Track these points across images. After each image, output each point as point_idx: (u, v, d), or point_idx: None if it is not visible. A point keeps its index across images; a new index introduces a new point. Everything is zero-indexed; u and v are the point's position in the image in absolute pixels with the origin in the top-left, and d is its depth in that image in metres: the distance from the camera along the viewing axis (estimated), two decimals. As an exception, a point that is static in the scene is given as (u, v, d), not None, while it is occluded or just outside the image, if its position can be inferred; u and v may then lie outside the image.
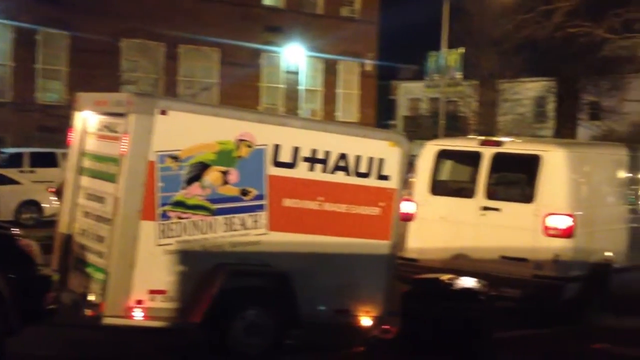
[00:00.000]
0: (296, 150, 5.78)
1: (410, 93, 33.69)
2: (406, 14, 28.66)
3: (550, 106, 22.34)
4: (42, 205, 13.35)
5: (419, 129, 25.86)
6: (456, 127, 22.59)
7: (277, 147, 5.71)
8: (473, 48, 20.55)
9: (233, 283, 5.54)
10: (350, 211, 5.98)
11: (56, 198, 12.95)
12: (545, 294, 7.21)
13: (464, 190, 7.79)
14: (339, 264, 5.95)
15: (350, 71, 25.77)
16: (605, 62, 18.82)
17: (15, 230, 5.47)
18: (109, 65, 20.45)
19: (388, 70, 29.51)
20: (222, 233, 5.56)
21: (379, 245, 6.08)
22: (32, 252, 5.34)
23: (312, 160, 5.84)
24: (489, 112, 20.66)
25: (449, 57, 21.25)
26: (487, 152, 7.64)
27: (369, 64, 25.80)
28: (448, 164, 8.29)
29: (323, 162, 5.88)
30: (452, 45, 21.33)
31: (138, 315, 5.31)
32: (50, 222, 11.14)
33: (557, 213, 7.15)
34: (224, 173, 5.56)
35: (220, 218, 5.54)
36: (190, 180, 5.46)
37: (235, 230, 5.59)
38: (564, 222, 7.14)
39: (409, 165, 6.52)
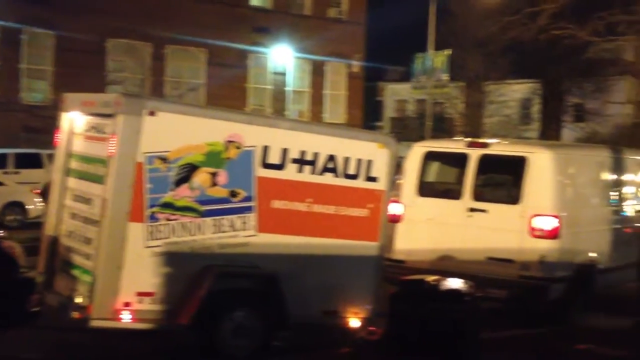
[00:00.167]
0: (285, 151, 5.79)
1: (397, 94, 33.81)
2: (393, 15, 28.81)
3: (536, 108, 22.55)
4: (27, 206, 13.22)
5: (405, 131, 25.96)
6: (443, 128, 22.73)
7: (266, 149, 5.71)
8: (459, 50, 20.70)
9: (221, 285, 5.53)
10: (339, 213, 6.00)
11: (41, 199, 12.85)
12: (531, 294, 7.27)
13: (451, 192, 7.84)
14: (327, 265, 5.97)
15: (337, 72, 25.82)
16: (589, 64, 19.05)
17: (-2, 232, 5.42)
18: (95, 65, 20.30)
19: (375, 71, 29.60)
20: (210, 235, 5.55)
21: (368, 246, 6.11)
22: (15, 254, 5.29)
23: (300, 161, 5.85)
24: (475, 114, 20.82)
25: (435, 58, 21.39)
26: (474, 154, 7.70)
27: (356, 65, 25.87)
28: (435, 166, 8.35)
29: (312, 163, 5.89)
30: (438, 47, 21.47)
31: (126, 317, 5.29)
32: (35, 224, 11.05)
33: (543, 214, 7.23)
34: (213, 174, 5.55)
35: (208, 220, 5.53)
36: (179, 182, 5.45)
37: (223, 231, 5.59)
38: (550, 223, 7.22)
39: (397, 167, 6.56)
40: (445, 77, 21.43)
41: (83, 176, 5.83)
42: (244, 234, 5.66)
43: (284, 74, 23.84)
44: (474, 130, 19.46)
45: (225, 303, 5.56)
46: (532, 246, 7.22)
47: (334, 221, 5.98)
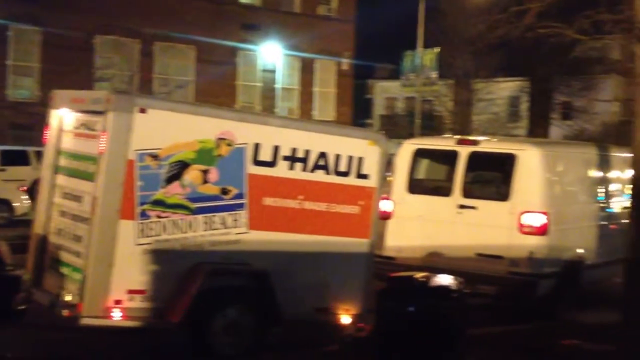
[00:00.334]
0: (276, 149, 5.79)
1: (386, 92, 33.90)
2: (383, 13, 28.87)
3: (524, 106, 22.69)
4: (13, 204, 13.09)
5: (395, 128, 26.03)
6: (432, 126, 22.81)
7: (257, 146, 5.71)
8: (448, 48, 20.76)
9: (213, 282, 5.53)
10: (330, 210, 6.02)
11: (27, 197, 12.73)
12: (520, 290, 7.34)
13: (441, 189, 7.89)
14: (318, 262, 5.99)
15: (327, 70, 25.80)
16: (577, 63, 19.20)
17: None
18: (83, 62, 20.12)
19: (364, 69, 29.65)
20: (202, 232, 5.54)
21: (359, 243, 6.14)
22: (1, 252, 5.25)
23: (292, 159, 5.85)
24: (464, 112, 20.89)
25: (424, 56, 21.45)
26: (464, 151, 7.75)
27: (346, 62, 25.87)
28: (425, 163, 8.39)
29: (303, 160, 5.90)
30: (427, 45, 21.53)
31: (117, 315, 5.27)
32: (21, 222, 10.95)
33: (531, 211, 7.29)
34: (204, 172, 5.54)
35: (200, 217, 5.53)
36: (170, 179, 5.44)
37: (215, 229, 5.58)
38: (539, 220, 7.29)
39: (387, 164, 6.59)
40: (434, 74, 21.50)
41: (73, 173, 5.79)
42: (236, 232, 5.66)
43: (273, 72, 23.78)
44: (462, 127, 19.54)
45: (217, 300, 5.56)
46: (521, 242, 7.28)
47: (325, 218, 6.00)
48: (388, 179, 7.87)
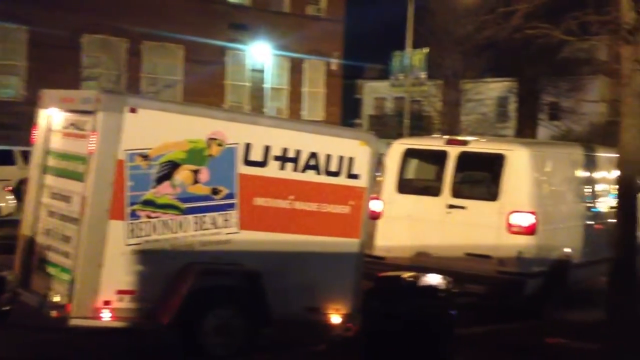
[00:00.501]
0: (267, 149, 5.79)
1: (375, 92, 33.97)
2: (372, 13, 28.93)
3: (512, 106, 22.85)
4: (-1, 204, 12.95)
5: (384, 128, 26.09)
6: (421, 126, 22.91)
7: (248, 146, 5.71)
8: (437, 48, 20.86)
9: (203, 282, 5.52)
10: (321, 210, 6.03)
11: (13, 197, 12.60)
12: (508, 289, 7.40)
13: (430, 189, 7.93)
14: (309, 262, 5.99)
15: (316, 70, 25.81)
16: (564, 64, 19.37)
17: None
18: (70, 61, 19.95)
19: (353, 69, 29.69)
20: (192, 232, 5.53)
21: (349, 243, 6.15)
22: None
23: (282, 159, 5.86)
24: (453, 112, 21.00)
25: (413, 56, 21.55)
26: (453, 151, 7.80)
27: (335, 62, 25.89)
28: (414, 163, 8.43)
29: (294, 160, 5.91)
30: (416, 45, 21.62)
31: (106, 316, 5.24)
32: (6, 222, 10.82)
33: (520, 211, 7.35)
34: (195, 172, 5.53)
35: (190, 217, 5.51)
36: (161, 179, 5.42)
37: (205, 229, 5.57)
38: (527, 220, 7.35)
39: (377, 164, 6.61)
40: (423, 75, 21.60)
41: (61, 173, 5.75)
42: (226, 232, 5.65)
43: (262, 71, 23.72)
44: (451, 128, 19.64)
45: (207, 301, 5.55)
46: (509, 242, 7.34)
47: (316, 218, 6.01)
48: (378, 179, 7.90)
